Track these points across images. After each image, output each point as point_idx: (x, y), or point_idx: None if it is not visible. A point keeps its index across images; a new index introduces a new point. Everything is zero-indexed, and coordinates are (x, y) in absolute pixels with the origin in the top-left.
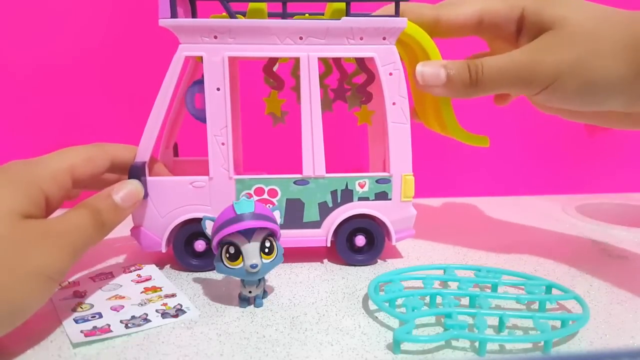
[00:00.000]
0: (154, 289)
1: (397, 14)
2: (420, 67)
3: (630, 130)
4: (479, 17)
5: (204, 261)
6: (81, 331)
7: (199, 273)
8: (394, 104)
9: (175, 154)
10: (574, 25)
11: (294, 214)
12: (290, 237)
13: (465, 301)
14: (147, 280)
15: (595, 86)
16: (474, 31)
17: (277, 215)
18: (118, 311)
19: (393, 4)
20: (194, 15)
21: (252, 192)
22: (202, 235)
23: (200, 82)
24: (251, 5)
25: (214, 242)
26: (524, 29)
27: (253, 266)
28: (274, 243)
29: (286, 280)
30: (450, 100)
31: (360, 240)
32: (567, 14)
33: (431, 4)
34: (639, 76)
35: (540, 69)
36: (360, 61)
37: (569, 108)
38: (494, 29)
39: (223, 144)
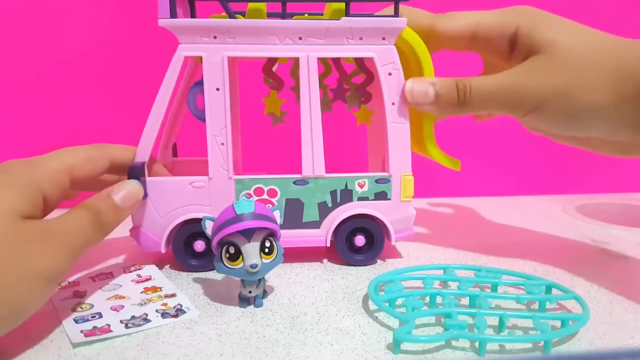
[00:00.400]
0: (154, 289)
1: (396, 13)
2: (409, 84)
3: (617, 157)
4: (473, 31)
5: (204, 261)
6: (81, 331)
7: (199, 273)
8: (393, 103)
9: (175, 154)
10: (562, 51)
11: (294, 214)
12: (289, 237)
13: (465, 301)
14: (147, 280)
15: (579, 113)
16: (468, 44)
17: (277, 215)
18: (118, 311)
19: (393, 6)
20: (193, 15)
21: (251, 192)
22: (201, 235)
23: (201, 83)
24: (250, 5)
25: (214, 242)
26: (516, 48)
27: (253, 266)
28: (274, 243)
29: (286, 280)
30: (433, 118)
31: (359, 240)
32: (558, 38)
33: (431, 10)
34: (621, 105)
35: (526, 93)
36: (360, 61)
37: (553, 132)
38: (487, 44)
39: (222, 144)
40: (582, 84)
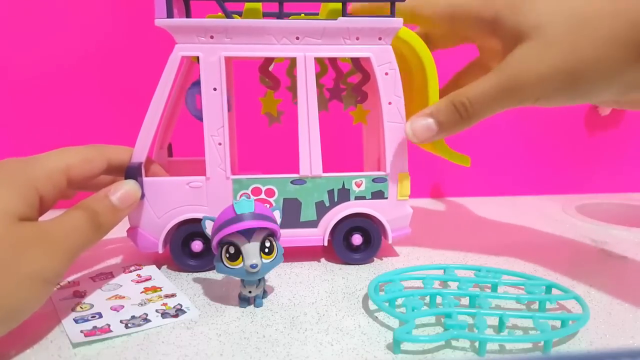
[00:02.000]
0: (154, 289)
1: (392, 14)
2: (408, 127)
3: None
4: (451, 12)
5: (201, 261)
6: (81, 331)
7: (198, 273)
8: (389, 103)
9: (170, 154)
10: (551, 33)
11: (291, 214)
12: (287, 236)
13: (465, 301)
14: (147, 280)
15: (585, 87)
16: (450, 26)
17: (277, 215)
18: (118, 311)
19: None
20: (187, 15)
21: (249, 192)
22: (199, 235)
23: (199, 83)
24: (247, 5)
25: (214, 242)
26: (500, 33)
27: (253, 266)
28: (274, 243)
29: (286, 280)
30: None
31: (357, 239)
32: (542, 20)
33: None
34: (626, 69)
35: (525, 87)
36: (356, 61)
37: (567, 105)
38: (467, 25)
39: (220, 144)
40: (581, 61)
